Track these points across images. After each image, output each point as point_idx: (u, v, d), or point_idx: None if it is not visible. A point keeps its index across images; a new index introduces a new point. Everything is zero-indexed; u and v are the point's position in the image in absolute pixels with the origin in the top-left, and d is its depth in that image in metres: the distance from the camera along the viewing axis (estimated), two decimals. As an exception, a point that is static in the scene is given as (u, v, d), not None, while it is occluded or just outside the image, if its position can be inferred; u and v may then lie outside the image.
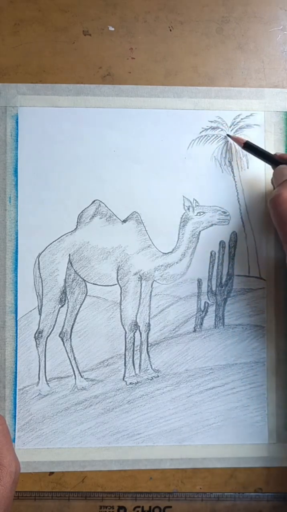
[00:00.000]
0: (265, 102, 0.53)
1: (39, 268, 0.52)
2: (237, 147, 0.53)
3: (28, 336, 0.51)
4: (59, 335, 0.52)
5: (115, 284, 0.52)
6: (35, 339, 0.51)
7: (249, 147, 0.51)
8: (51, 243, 0.52)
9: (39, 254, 0.52)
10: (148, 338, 0.52)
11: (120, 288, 0.52)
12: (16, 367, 0.51)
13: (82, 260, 0.52)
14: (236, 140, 0.52)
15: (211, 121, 0.53)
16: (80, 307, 0.52)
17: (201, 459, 0.51)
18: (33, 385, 0.51)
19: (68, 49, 0.53)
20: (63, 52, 0.53)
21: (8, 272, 0.51)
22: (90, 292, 0.52)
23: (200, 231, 0.53)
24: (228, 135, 0.52)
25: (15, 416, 0.51)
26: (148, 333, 0.52)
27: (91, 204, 0.52)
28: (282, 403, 0.52)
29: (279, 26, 0.54)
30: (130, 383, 0.52)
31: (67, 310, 0.52)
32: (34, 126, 0.52)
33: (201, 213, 0.52)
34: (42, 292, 0.52)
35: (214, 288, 0.52)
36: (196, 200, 0.53)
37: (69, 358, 0.52)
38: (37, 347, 0.51)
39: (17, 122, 0.52)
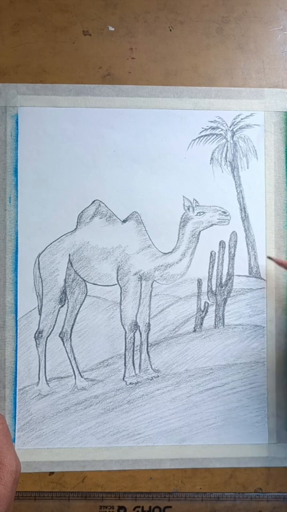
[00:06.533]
0: (265, 102, 0.53)
1: (39, 268, 0.52)
2: (237, 147, 0.53)
3: (28, 336, 0.51)
4: (59, 335, 0.52)
5: (115, 284, 0.52)
6: (35, 339, 0.51)
7: None
8: (51, 243, 0.52)
9: (39, 254, 0.52)
10: (148, 338, 0.52)
11: (120, 288, 0.52)
12: (16, 367, 0.51)
13: (82, 260, 0.52)
14: (281, 264, 0.50)
15: (211, 121, 0.53)
16: (80, 307, 0.52)
17: (201, 459, 0.51)
18: (33, 385, 0.51)
19: (68, 49, 0.53)
20: (63, 52, 0.53)
21: (8, 272, 0.51)
22: (90, 292, 0.52)
23: (200, 231, 0.53)
24: (269, 257, 0.51)
25: (15, 416, 0.51)
26: (148, 333, 0.52)
27: (91, 204, 0.52)
28: (282, 403, 0.52)
29: (279, 26, 0.54)
30: (130, 383, 0.52)
31: (67, 310, 0.52)
32: (34, 126, 0.52)
33: (201, 213, 0.52)
34: (42, 292, 0.52)
35: (214, 288, 0.52)
36: (196, 200, 0.53)
37: (69, 358, 0.52)
38: (37, 347, 0.51)
39: (17, 122, 0.52)
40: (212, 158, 0.53)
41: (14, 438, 0.51)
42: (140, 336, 0.52)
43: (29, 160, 0.52)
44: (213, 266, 0.53)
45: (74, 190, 0.52)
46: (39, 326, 0.51)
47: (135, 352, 0.52)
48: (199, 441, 0.51)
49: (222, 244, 0.53)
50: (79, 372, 0.51)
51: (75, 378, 0.51)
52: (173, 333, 0.52)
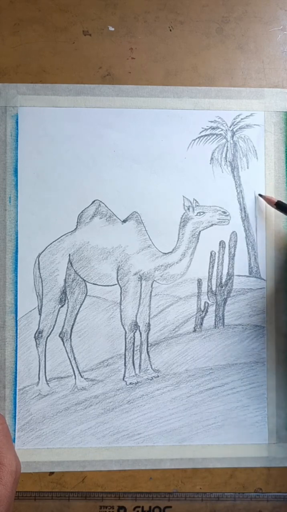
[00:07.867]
0: (265, 102, 0.53)
1: (39, 268, 0.52)
2: (237, 147, 0.53)
3: (28, 336, 0.51)
4: (59, 335, 0.52)
5: (115, 284, 0.52)
6: (35, 339, 0.51)
7: (281, 206, 0.51)
8: (51, 243, 0.52)
9: (39, 254, 0.52)
10: (148, 338, 0.52)
11: (120, 288, 0.52)
12: (16, 367, 0.51)
13: (82, 260, 0.52)
14: (268, 200, 0.52)
15: (211, 121, 0.53)
16: (80, 307, 0.52)
17: (201, 459, 0.51)
18: (33, 385, 0.51)
19: (68, 49, 0.53)
20: (63, 52, 0.53)
21: (8, 272, 0.51)
22: (90, 292, 0.52)
23: (200, 231, 0.53)
24: (259, 194, 0.52)
25: (15, 416, 0.51)
26: (148, 333, 0.52)
27: (91, 204, 0.52)
28: (282, 403, 0.52)
29: (279, 26, 0.54)
30: (130, 383, 0.52)
31: (67, 310, 0.52)
32: (34, 126, 0.52)
33: (201, 213, 0.52)
34: (42, 292, 0.52)
35: (214, 288, 0.52)
36: (196, 200, 0.53)
37: (69, 358, 0.52)
38: (37, 347, 0.51)
39: (17, 122, 0.52)
40: (212, 158, 0.53)
41: (14, 438, 0.51)
42: (140, 336, 0.52)
43: (29, 160, 0.52)
44: (213, 266, 0.53)
45: (74, 190, 0.52)
46: (39, 326, 0.51)
47: (135, 352, 0.52)
48: (199, 441, 0.51)
49: (222, 244, 0.53)
50: (79, 372, 0.51)
51: (75, 378, 0.51)
52: (173, 333, 0.52)
